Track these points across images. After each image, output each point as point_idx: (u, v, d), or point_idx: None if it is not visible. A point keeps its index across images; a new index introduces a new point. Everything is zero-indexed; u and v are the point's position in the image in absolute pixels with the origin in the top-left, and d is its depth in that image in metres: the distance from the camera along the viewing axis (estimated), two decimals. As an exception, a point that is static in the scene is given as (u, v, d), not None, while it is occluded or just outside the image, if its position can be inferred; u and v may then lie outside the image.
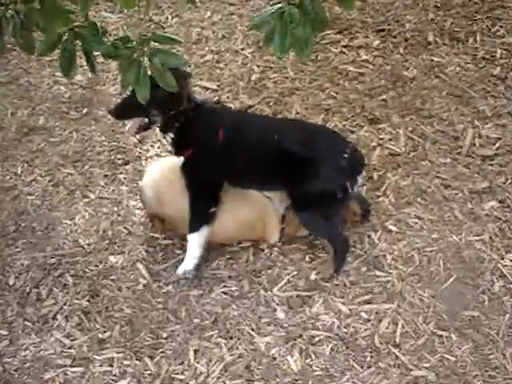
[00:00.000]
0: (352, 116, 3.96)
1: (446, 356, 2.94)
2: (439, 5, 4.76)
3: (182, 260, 3.31)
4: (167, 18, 4.75)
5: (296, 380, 2.88)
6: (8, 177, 3.89)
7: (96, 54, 2.24)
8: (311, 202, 3.18)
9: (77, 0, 1.99)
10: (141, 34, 2.09)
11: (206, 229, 3.25)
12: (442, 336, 3.01)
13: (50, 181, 3.83)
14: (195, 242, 3.26)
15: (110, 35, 4.03)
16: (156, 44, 2.18)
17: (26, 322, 3.20)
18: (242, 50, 4.46)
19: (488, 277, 3.19)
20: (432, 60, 4.32)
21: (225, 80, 4.26)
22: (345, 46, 4.42)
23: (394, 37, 4.50)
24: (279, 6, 2.26)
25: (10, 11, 1.93)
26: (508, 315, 3.05)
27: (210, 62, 4.39)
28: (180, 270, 3.28)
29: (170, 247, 3.45)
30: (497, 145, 3.75)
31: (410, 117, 3.94)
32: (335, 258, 3.24)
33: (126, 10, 4.55)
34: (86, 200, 3.70)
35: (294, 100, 4.06)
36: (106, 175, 3.81)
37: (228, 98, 4.14)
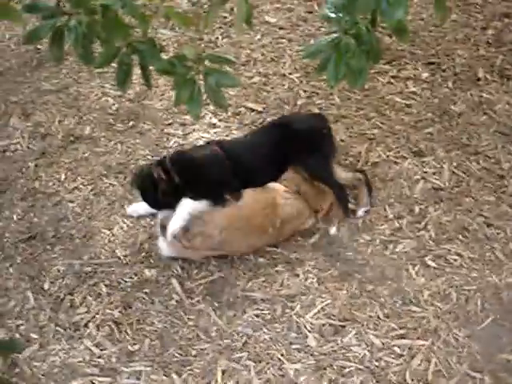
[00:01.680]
0: (396, 147, 3.93)
1: (479, 399, 2.87)
2: (491, 41, 4.72)
3: (216, 278, 3.33)
4: (217, 38, 4.79)
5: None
6: (51, 183, 3.95)
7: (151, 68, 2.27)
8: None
9: (137, 15, 2.02)
10: (197, 53, 2.11)
11: None
12: (475, 378, 2.94)
13: (91, 190, 3.87)
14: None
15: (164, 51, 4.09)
16: (210, 63, 2.19)
17: (58, 328, 3.22)
18: (290, 74, 4.47)
19: (527, 320, 3.12)
20: (481, 96, 4.27)
21: (271, 103, 4.27)
22: (393, 77, 4.40)
23: (444, 70, 4.47)
24: (335, 35, 2.26)
25: (72, 21, 1.96)
26: (545, 362, 2.97)
27: (257, 84, 4.41)
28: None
29: (204, 265, 3.44)
30: (542, 186, 3.68)
31: (455, 152, 3.89)
32: (339, 203, 3.54)
33: (178, 28, 4.62)
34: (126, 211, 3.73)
35: (339, 127, 4.05)
36: (147, 188, 3.83)
37: (273, 120, 4.14)
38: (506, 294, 3.22)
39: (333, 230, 3.52)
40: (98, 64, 2.10)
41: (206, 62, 2.15)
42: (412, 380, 2.93)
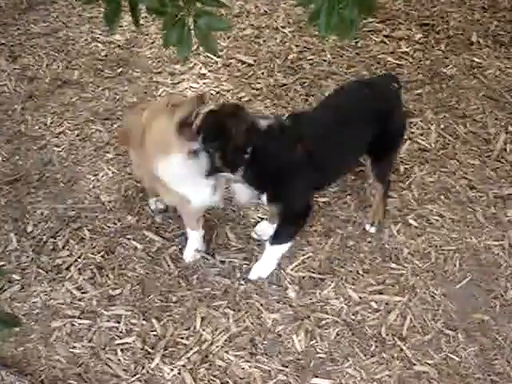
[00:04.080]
0: (385, 106, 3.92)
1: (451, 355, 2.93)
2: (486, 6, 4.69)
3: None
4: (211, -12, 4.71)
5: (298, 359, 2.89)
6: (37, 126, 3.92)
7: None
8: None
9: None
10: (189, -7, 2.07)
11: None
12: (448, 335, 3.00)
13: (77, 135, 3.85)
14: (276, 254, 3.15)
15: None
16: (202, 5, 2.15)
17: (40, 270, 3.24)
18: (283, 27, 4.42)
19: (503, 283, 3.17)
20: (473, 60, 4.26)
21: (262, 56, 4.23)
22: (386, 36, 4.38)
23: (437, 32, 4.44)
24: (328, -16, 2.23)
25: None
26: (518, 323, 3.03)
27: (248, 37, 4.37)
28: (253, 275, 3.19)
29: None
30: (528, 152, 3.71)
31: (443, 114, 3.89)
32: (383, 200, 3.34)
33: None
34: (111, 158, 3.72)
35: (329, 84, 4.03)
36: (133, 136, 3.82)
37: (263, 74, 4.12)
38: (484, 257, 3.26)
39: (373, 229, 3.36)
40: (84, 0, 2.06)
41: (198, 4, 2.11)
42: (387, 335, 2.98)
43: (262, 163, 2.77)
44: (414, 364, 2.89)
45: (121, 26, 4.36)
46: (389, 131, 3.06)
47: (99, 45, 4.41)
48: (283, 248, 3.10)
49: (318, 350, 2.93)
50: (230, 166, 2.76)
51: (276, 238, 3.07)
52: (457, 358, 2.92)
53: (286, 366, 2.87)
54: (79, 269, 3.23)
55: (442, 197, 3.49)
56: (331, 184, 3.34)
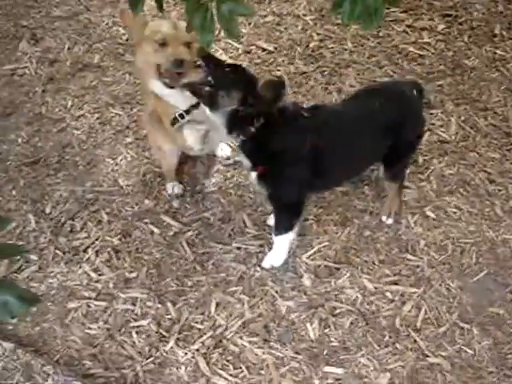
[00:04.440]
0: (405, 97, 3.90)
1: (464, 348, 2.93)
2: (511, -2, 4.63)
3: (214, 213, 3.36)
4: (233, -26, 4.69)
5: (312, 347, 2.90)
6: (57, 109, 3.94)
7: (164, -6, 2.23)
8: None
9: None
10: (212, -21, 2.07)
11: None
12: (463, 328, 2.99)
13: (97, 118, 3.87)
14: (282, 244, 3.13)
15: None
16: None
17: (57, 251, 3.27)
18: (304, 15, 4.40)
19: (520, 276, 3.15)
20: (495, 53, 4.22)
21: (283, 43, 4.22)
22: (408, 26, 4.34)
23: (460, 24, 4.40)
24: (353, -28, 2.21)
25: None
26: (533, 317, 3.02)
27: (270, 24, 4.35)
28: (266, 264, 3.18)
29: (202, 200, 3.48)
30: (549, 146, 3.67)
31: (464, 106, 3.86)
32: (399, 194, 3.30)
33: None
34: (130, 142, 3.73)
35: (350, 73, 4.01)
36: (152, 120, 3.83)
37: (283, 61, 4.10)
38: (502, 250, 3.24)
39: (389, 220, 3.33)
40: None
41: (221, -10, 2.10)
42: (401, 326, 2.98)
43: (267, 139, 2.70)
44: (428, 356, 2.89)
45: (142, 11, 4.34)
46: (405, 140, 3.00)
47: (120, 29, 4.41)
48: (287, 238, 3.08)
49: (331, 338, 2.93)
50: (236, 125, 2.66)
51: (276, 229, 3.07)
52: (470, 351, 2.91)
53: (299, 354, 2.88)
54: (96, 251, 3.26)
55: (461, 189, 3.47)
56: (331, 188, 3.33)
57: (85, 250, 3.27)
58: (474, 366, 2.87)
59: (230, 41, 4.16)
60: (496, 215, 3.38)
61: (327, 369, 2.83)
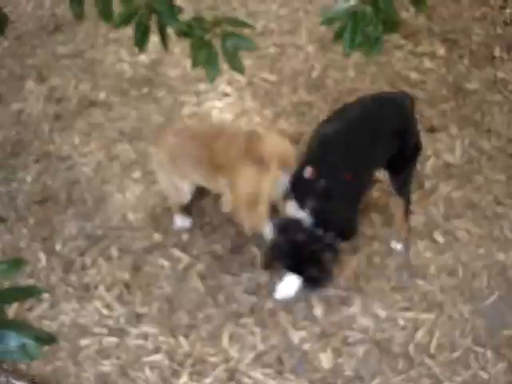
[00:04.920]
0: (409, 122, 3.92)
1: (480, 373, 2.92)
2: (508, 21, 4.67)
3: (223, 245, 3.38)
4: (234, 8, 4.77)
5: (325, 377, 2.90)
6: (65, 147, 3.98)
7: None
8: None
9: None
10: (215, 16, 2.12)
11: None
12: (477, 352, 2.98)
13: (105, 154, 3.90)
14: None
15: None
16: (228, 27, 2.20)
17: (68, 288, 3.29)
18: (305, 45, 4.44)
19: (531, 302, 3.14)
20: (495, 75, 4.24)
21: (285, 74, 4.26)
22: (409, 52, 4.37)
23: (460, 47, 4.43)
24: (352, 3, 2.26)
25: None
26: (547, 340, 3.00)
27: (272, 55, 4.40)
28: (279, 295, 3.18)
29: (211, 234, 3.48)
30: (553, 167, 3.68)
31: (468, 129, 3.88)
32: (406, 216, 3.30)
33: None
34: (138, 176, 3.76)
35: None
36: (159, 154, 3.86)
37: (287, 91, 4.14)
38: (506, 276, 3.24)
39: (399, 246, 3.35)
40: (116, 23, 2.12)
41: (224, 26, 2.15)
42: (415, 352, 2.96)
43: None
44: (443, 381, 2.89)
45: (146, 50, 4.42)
46: (409, 146, 3.09)
47: (125, 65, 4.47)
48: None
49: (344, 367, 2.93)
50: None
51: None
52: (486, 375, 2.91)
53: (313, 384, 2.87)
54: (107, 287, 3.27)
55: (469, 212, 3.47)
56: None
57: (96, 287, 3.28)
58: (490, 390, 2.86)
59: (233, 73, 4.19)
60: (505, 237, 3.38)
61: (342, 398, 2.82)
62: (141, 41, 2.23)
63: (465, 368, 2.93)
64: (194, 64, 2.13)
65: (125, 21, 2.11)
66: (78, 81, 4.39)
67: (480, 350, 2.98)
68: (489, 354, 2.96)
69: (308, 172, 2.85)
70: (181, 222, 3.48)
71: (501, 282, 3.20)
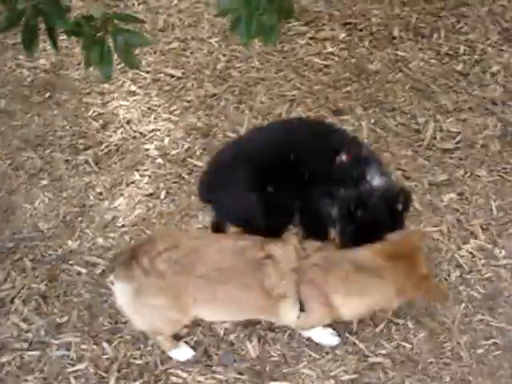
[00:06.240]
0: (316, 107, 3.98)
1: (402, 343, 3.00)
2: (405, 0, 4.80)
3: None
4: (133, 4, 4.69)
5: (254, 365, 2.90)
6: (-33, 159, 3.82)
7: (60, 32, 2.20)
8: None
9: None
10: (104, 12, 2.06)
11: None
12: (398, 324, 3.06)
13: (10, 164, 3.77)
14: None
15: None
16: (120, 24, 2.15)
17: (-18, 306, 3.16)
18: (209, 38, 4.43)
19: (445, 267, 3.25)
20: (396, 54, 4.36)
21: (190, 68, 4.23)
22: (311, 38, 4.43)
23: (360, 30, 4.53)
24: (245, -8, 2.25)
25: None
26: (463, 304, 3.12)
27: (175, 50, 4.36)
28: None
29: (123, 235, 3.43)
30: (457, 139, 3.81)
31: (373, 109, 3.97)
32: None
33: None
34: (46, 184, 3.65)
35: (259, 90, 4.07)
36: (66, 160, 3.77)
37: (193, 85, 4.12)
38: (425, 244, 3.33)
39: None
40: (1, 27, 2.03)
41: (115, 22, 2.10)
42: (339, 331, 3.01)
43: None
44: (368, 356, 2.95)
45: (45, 50, 4.29)
46: None
47: (24, 71, 4.32)
48: None
49: (272, 353, 2.94)
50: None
51: None
52: (408, 345, 3.00)
53: (243, 374, 2.88)
54: (23, 300, 3.17)
55: (379, 189, 3.56)
56: None
57: (11, 301, 3.18)
58: (414, 359, 2.96)
59: (137, 71, 4.14)
60: (415, 210, 3.48)
61: (272, 384, 2.84)
62: (30, 44, 2.15)
63: (388, 341, 3.00)
64: (87, 63, 2.07)
65: (11, 25, 2.02)
66: (-25, 90, 4.22)
67: (401, 321, 3.06)
68: (409, 324, 3.05)
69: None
70: (183, 355, 2.96)
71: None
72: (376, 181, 2.75)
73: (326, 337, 2.97)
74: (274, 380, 2.86)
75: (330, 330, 2.97)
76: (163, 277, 2.48)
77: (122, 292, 2.59)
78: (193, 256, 2.50)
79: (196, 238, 2.70)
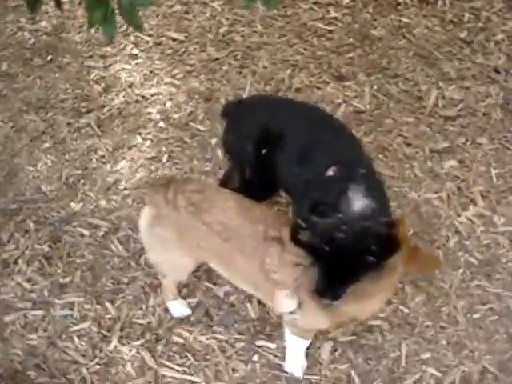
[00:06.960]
0: (318, 72, 3.97)
1: (400, 307, 3.05)
2: (411, -34, 4.76)
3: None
4: (136, -34, 4.64)
5: (254, 326, 2.95)
6: (-31, 121, 3.83)
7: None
8: None
9: None
10: (108, -28, 2.05)
11: None
12: (396, 288, 3.10)
13: (12, 127, 3.78)
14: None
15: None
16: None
17: (-13, 241, 3.20)
18: (211, 1, 4.39)
19: (444, 232, 3.28)
20: (400, 21, 4.33)
21: (193, 31, 4.21)
22: (314, 3, 4.39)
23: (364, -5, 4.50)
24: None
25: None
26: (461, 270, 3.15)
27: (178, 13, 4.33)
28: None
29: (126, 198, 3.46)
30: (459, 106, 3.81)
31: (375, 75, 3.96)
32: None
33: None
34: (49, 147, 3.67)
35: (262, 54, 4.05)
36: (69, 123, 3.77)
37: (195, 49, 4.10)
38: (425, 210, 3.37)
39: None
40: (4, -14, 2.02)
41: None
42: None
43: None
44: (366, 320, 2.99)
45: (46, 13, 4.27)
46: None
47: (26, 34, 4.30)
48: None
49: (271, 315, 2.99)
50: None
51: None
52: (406, 309, 3.04)
53: (243, 334, 2.93)
54: (27, 261, 3.21)
55: (380, 155, 3.57)
56: None
57: (15, 262, 3.21)
58: (411, 322, 3.00)
59: (139, 34, 4.12)
60: (416, 176, 3.50)
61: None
62: (33, 5, 2.14)
63: (386, 304, 3.04)
64: (90, 24, 2.06)
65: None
66: (-23, 53, 4.21)
67: (399, 285, 3.10)
68: (407, 288, 3.09)
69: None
70: (179, 310, 3.01)
71: (414, 219, 3.32)
72: (355, 210, 2.40)
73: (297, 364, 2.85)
74: (274, 339, 2.91)
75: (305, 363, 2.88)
76: (179, 212, 2.52)
77: (143, 215, 2.67)
78: (208, 204, 2.53)
79: (223, 193, 2.69)
